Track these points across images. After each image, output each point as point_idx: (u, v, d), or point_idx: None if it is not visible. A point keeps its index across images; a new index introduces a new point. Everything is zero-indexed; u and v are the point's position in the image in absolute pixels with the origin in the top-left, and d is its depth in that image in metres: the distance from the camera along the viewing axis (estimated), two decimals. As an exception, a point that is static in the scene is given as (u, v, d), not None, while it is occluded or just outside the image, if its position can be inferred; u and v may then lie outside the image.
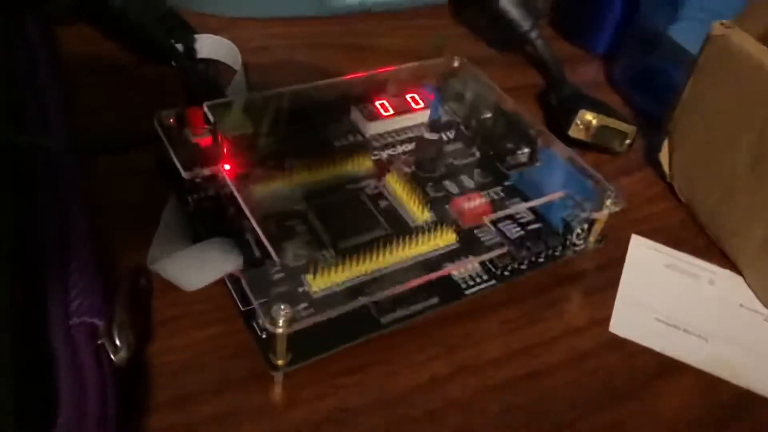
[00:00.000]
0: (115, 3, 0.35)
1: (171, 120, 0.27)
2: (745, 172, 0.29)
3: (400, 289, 0.24)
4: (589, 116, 0.34)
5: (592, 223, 0.28)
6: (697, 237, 0.32)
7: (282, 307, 0.21)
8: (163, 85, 0.33)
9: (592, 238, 0.29)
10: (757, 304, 0.29)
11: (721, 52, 0.30)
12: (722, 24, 0.31)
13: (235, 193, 0.26)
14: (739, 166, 0.29)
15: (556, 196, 0.28)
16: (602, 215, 0.28)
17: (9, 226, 0.21)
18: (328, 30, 0.41)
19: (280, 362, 0.22)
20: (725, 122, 0.30)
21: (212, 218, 0.26)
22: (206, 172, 0.26)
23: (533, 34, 0.39)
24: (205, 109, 0.28)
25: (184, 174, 0.25)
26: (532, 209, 0.29)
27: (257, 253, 0.24)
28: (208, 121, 0.28)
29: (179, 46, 0.34)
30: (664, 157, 0.34)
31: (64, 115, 0.28)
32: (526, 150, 0.31)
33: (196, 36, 0.35)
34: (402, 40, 0.42)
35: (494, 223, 0.28)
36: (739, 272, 0.30)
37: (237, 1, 0.40)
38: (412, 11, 0.44)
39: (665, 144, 0.34)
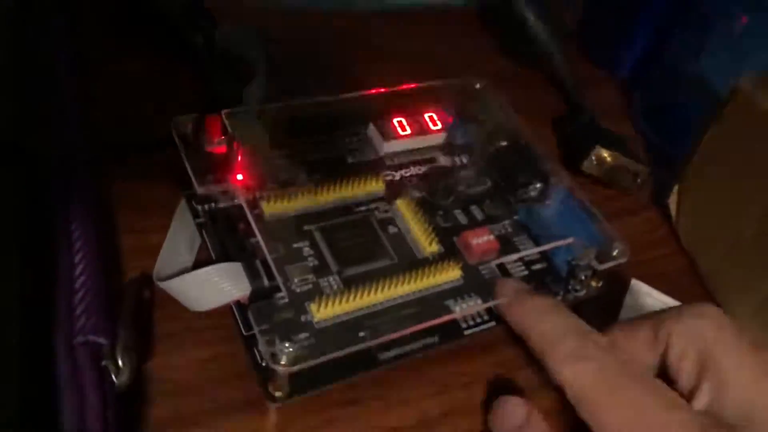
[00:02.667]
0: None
1: (188, 127, 0.27)
2: (752, 235, 0.29)
3: (402, 332, 0.24)
4: (604, 153, 0.34)
5: (595, 269, 0.29)
6: (695, 287, 0.32)
7: (286, 345, 0.21)
8: (179, 80, 0.33)
9: (593, 283, 0.29)
10: (746, 366, 0.30)
11: (743, 109, 0.30)
12: (749, 79, 0.31)
13: (246, 210, 0.26)
14: (746, 229, 0.30)
15: (564, 242, 0.28)
16: (606, 266, 0.28)
17: (18, 238, 0.21)
18: (351, 27, 0.41)
19: (278, 394, 0.23)
20: (738, 181, 0.30)
21: (222, 232, 0.26)
22: (220, 188, 0.26)
23: (558, 59, 0.38)
24: (224, 117, 0.27)
25: (198, 189, 0.25)
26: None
27: (265, 280, 0.24)
28: (225, 131, 0.27)
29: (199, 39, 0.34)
30: (673, 202, 0.34)
31: (78, 116, 0.28)
32: (537, 185, 0.31)
33: (222, 28, 0.34)
34: (424, 44, 0.41)
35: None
36: (733, 330, 0.31)
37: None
38: (438, 15, 0.44)
39: (676, 189, 0.34)
